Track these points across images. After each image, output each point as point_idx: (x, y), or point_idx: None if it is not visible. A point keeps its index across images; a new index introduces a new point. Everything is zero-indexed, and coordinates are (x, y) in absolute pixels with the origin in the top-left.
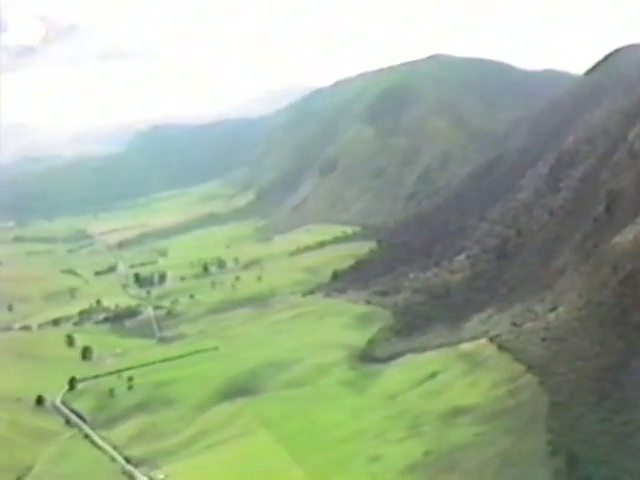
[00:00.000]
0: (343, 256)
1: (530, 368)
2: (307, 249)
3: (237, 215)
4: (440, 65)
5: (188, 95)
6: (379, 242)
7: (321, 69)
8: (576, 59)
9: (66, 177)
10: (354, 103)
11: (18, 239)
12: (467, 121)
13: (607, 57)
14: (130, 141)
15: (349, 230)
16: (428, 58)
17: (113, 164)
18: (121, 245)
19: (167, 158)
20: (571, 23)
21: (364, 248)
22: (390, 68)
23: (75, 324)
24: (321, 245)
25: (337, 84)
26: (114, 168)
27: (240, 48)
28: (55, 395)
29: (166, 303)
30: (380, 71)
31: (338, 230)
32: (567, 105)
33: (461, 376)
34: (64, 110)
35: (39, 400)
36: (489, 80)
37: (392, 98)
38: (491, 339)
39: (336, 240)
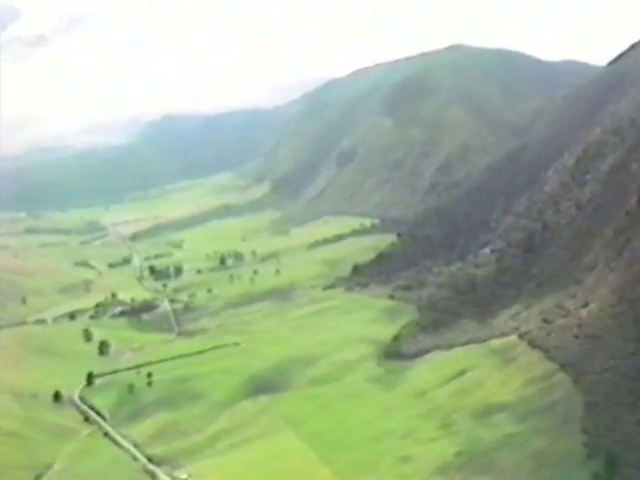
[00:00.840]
0: (363, 249)
1: (563, 366)
2: (325, 242)
3: (252, 207)
4: (459, 55)
5: (199, 86)
6: (399, 235)
7: (334, 60)
8: (595, 50)
9: (77, 168)
10: (371, 94)
11: (30, 230)
12: (487, 112)
13: (632, 47)
14: (140, 132)
15: (367, 222)
16: (446, 49)
17: (124, 155)
18: (135, 237)
19: (178, 149)
20: (589, 14)
21: (384, 241)
22: (407, 58)
23: (91, 318)
24: (339, 238)
25: (353, 74)
26: (125, 159)
27: (252, 38)
28: (73, 391)
29: (183, 297)
30: (397, 61)
31: (356, 222)
32: (590, 96)
33: (491, 374)
34: (74, 101)
35: (56, 396)
36: (508, 71)
37: (410, 88)
38: (521, 336)
39: (355, 233)
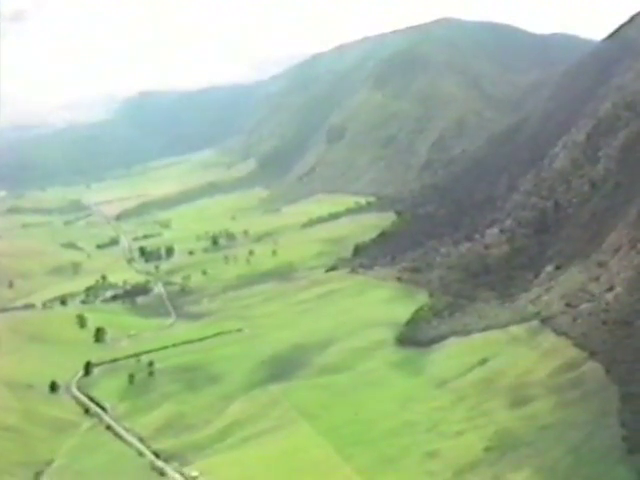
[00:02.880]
0: (361, 228)
1: (593, 354)
2: (320, 221)
3: (239, 184)
4: (449, 29)
5: (175, 62)
6: (399, 214)
7: (315, 35)
8: (583, 23)
9: (56, 146)
10: (359, 68)
11: (12, 210)
12: (480, 86)
13: (632, 19)
14: (118, 109)
15: (362, 201)
16: (435, 22)
17: (102, 132)
18: (120, 217)
19: (157, 126)
20: None
21: (383, 220)
22: (395, 32)
23: (83, 302)
24: (334, 217)
25: (338, 49)
26: (103, 136)
27: (230, 13)
28: (70, 381)
29: (177, 279)
30: (384, 35)
31: (351, 201)
32: (592, 69)
33: (516, 362)
34: (49, 78)
35: (53, 387)
36: (499, 44)
37: (400, 62)
38: (544, 321)
39: (350, 211)
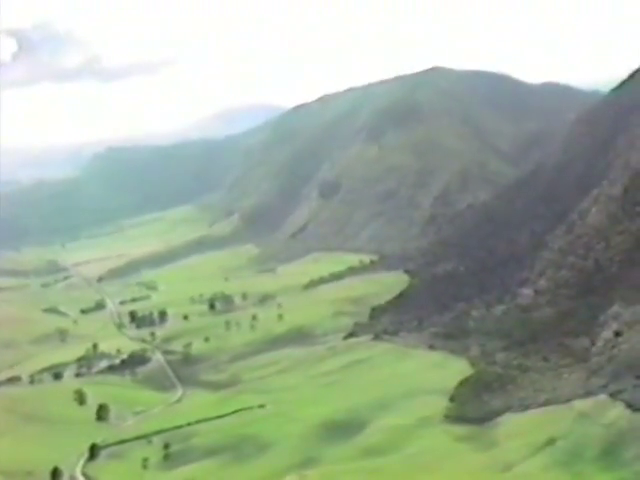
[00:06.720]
0: (372, 289)
1: None
2: (323, 281)
3: (224, 242)
4: (441, 78)
5: (143, 115)
6: (410, 272)
7: (285, 88)
8: (574, 72)
9: (25, 204)
10: (347, 119)
11: None
12: (482, 136)
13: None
14: (86, 164)
15: (366, 259)
16: (425, 71)
17: (72, 189)
18: (102, 278)
19: (128, 182)
20: (563, 37)
21: (394, 279)
22: (383, 82)
23: (77, 375)
24: (337, 277)
25: (321, 100)
26: (73, 193)
27: (195, 64)
28: (74, 467)
29: (177, 347)
30: (371, 85)
31: (353, 259)
32: (605, 119)
33: (589, 442)
34: (14, 134)
35: (55, 473)
36: (496, 92)
37: (395, 113)
38: (613, 395)
39: (353, 271)
